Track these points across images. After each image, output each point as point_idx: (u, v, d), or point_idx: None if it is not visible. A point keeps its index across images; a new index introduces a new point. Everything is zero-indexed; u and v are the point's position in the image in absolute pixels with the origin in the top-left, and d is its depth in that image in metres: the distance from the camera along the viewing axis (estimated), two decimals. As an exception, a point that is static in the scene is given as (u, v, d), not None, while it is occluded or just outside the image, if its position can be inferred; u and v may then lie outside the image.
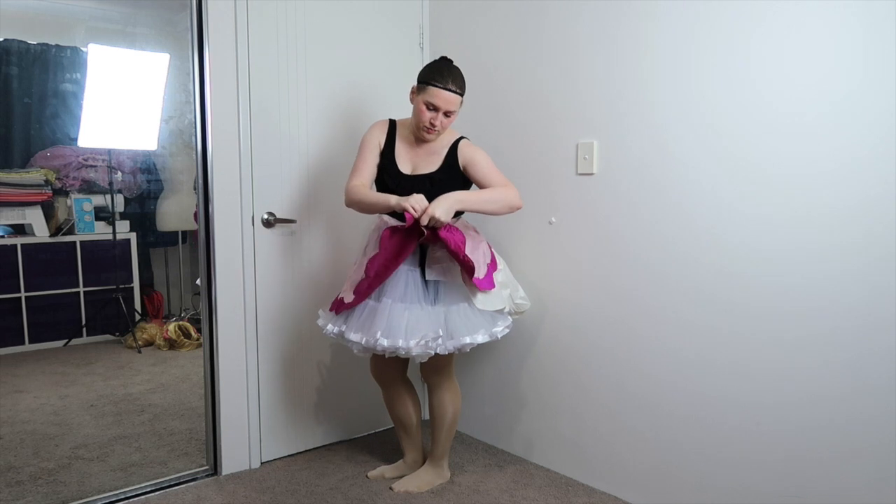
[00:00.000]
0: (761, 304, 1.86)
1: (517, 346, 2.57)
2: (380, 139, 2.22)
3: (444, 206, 1.99)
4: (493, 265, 2.20)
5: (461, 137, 2.21)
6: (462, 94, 2.10)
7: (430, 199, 2.08)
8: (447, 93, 2.05)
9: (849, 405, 1.71)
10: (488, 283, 2.13)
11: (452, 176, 2.16)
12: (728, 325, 1.94)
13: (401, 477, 2.37)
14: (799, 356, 1.79)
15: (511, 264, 2.45)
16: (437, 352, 2.05)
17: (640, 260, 2.15)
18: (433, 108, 2.06)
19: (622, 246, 2.20)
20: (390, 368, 2.32)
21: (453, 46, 2.70)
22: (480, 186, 2.17)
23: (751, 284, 1.88)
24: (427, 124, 2.09)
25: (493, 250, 2.27)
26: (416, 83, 2.13)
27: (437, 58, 2.18)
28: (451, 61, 2.14)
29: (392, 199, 2.05)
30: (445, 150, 2.18)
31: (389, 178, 2.19)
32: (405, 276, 2.12)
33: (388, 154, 2.21)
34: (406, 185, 2.16)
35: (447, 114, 2.08)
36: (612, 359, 2.25)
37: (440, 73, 2.06)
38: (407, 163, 2.20)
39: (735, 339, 1.93)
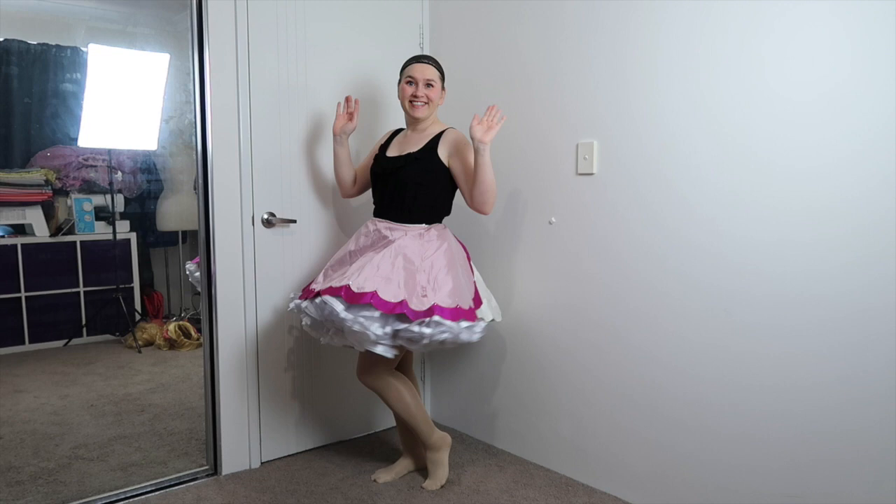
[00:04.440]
0: (761, 304, 1.86)
1: (517, 346, 2.57)
2: (381, 142, 2.39)
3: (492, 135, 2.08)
4: (477, 299, 2.21)
5: (451, 128, 2.31)
6: (436, 67, 2.26)
7: (401, 175, 2.20)
8: (419, 64, 2.23)
9: (850, 398, 1.71)
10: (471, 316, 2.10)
11: (430, 158, 2.21)
12: (727, 324, 1.94)
13: (405, 475, 2.40)
14: (800, 347, 1.79)
15: (511, 264, 2.45)
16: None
17: (640, 260, 2.15)
18: (412, 81, 2.22)
19: (622, 246, 2.20)
20: (377, 364, 2.23)
21: (453, 46, 2.71)
22: (464, 177, 2.21)
23: (751, 283, 1.88)
24: (410, 97, 2.23)
25: (472, 264, 2.31)
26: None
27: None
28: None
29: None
30: (432, 136, 2.28)
31: (375, 163, 2.32)
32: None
33: (382, 148, 2.36)
34: (384, 163, 2.28)
35: (428, 84, 2.22)
36: (612, 358, 2.25)
37: (411, 57, 2.31)
38: (395, 149, 2.32)
39: (735, 337, 1.93)
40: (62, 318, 4.30)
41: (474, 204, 2.19)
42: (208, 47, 2.27)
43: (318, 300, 2.04)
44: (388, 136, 2.42)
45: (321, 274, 2.26)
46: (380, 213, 2.29)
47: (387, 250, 2.12)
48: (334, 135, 2.36)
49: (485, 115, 2.10)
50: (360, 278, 2.02)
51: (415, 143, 2.27)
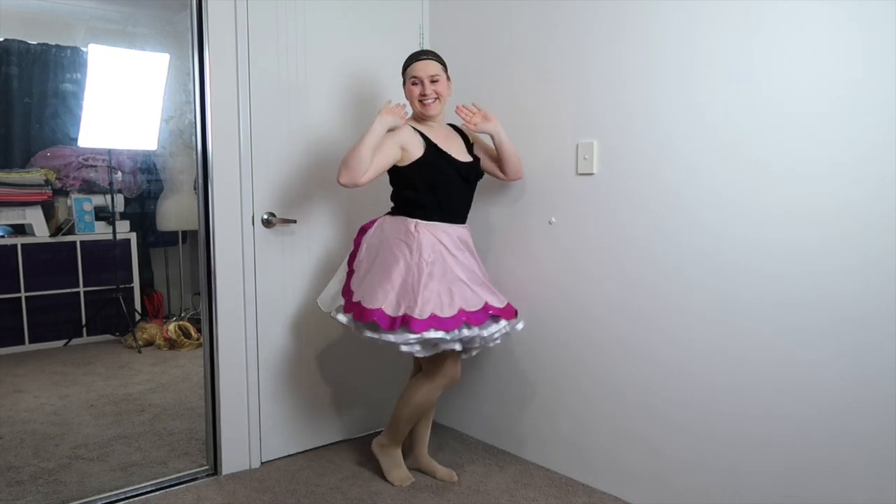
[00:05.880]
0: (760, 306, 1.86)
1: (517, 346, 2.57)
2: (409, 137, 2.18)
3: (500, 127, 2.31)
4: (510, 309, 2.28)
5: (455, 124, 2.38)
6: (437, 60, 2.23)
7: (475, 179, 2.31)
8: (419, 62, 2.21)
9: (850, 400, 1.71)
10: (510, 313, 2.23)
11: (478, 157, 2.37)
12: (727, 324, 1.94)
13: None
14: (800, 349, 1.79)
15: (511, 264, 2.45)
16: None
17: (640, 260, 2.15)
18: (417, 81, 2.20)
19: (622, 246, 2.20)
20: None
21: (453, 46, 2.70)
22: (493, 162, 2.39)
23: (751, 285, 1.88)
24: (419, 97, 2.21)
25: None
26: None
27: None
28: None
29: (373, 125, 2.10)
30: (458, 134, 2.35)
31: (450, 164, 2.20)
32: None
33: (435, 148, 2.20)
34: (465, 167, 2.25)
35: (433, 80, 2.20)
36: (612, 358, 2.25)
37: (410, 55, 2.27)
38: (452, 149, 2.25)
39: (735, 337, 1.93)
40: (62, 318, 4.30)
41: (511, 176, 2.40)
42: (208, 47, 2.27)
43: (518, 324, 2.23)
44: (410, 130, 2.20)
45: (363, 284, 2.16)
46: (449, 217, 2.22)
47: (474, 259, 2.27)
48: (384, 116, 2.10)
49: (466, 113, 2.27)
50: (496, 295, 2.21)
51: (455, 143, 2.29)
